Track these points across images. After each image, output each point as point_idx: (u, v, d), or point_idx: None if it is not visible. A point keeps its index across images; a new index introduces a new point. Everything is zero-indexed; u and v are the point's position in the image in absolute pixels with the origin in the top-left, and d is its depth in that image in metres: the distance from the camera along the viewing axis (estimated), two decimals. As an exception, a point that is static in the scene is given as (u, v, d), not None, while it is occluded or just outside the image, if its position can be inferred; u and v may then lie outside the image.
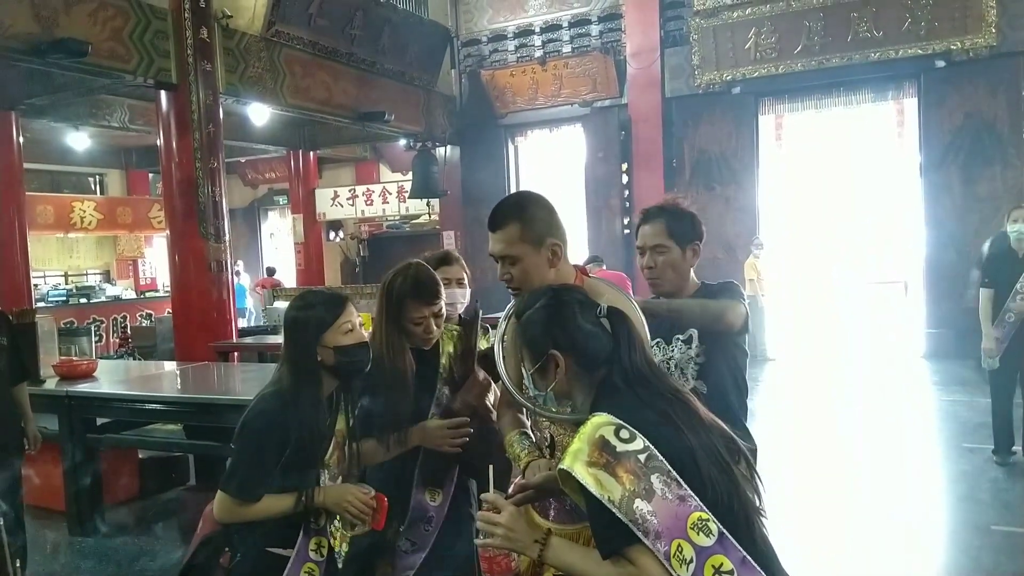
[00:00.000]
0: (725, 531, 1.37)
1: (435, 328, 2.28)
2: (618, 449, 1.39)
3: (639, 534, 1.34)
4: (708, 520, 1.37)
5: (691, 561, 1.35)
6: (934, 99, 9.41)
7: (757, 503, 1.49)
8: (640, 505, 1.35)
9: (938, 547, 4.18)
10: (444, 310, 2.31)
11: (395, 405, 2.19)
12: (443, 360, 2.37)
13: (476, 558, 2.48)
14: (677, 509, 1.36)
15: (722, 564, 1.36)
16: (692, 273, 2.40)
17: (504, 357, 2.06)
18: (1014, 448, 5.25)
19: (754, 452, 2.14)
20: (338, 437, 2.15)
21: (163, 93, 7.05)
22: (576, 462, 1.40)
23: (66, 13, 6.16)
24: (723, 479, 1.41)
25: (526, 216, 1.93)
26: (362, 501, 2.05)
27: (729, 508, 1.39)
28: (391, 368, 2.19)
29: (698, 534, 1.36)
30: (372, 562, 2.26)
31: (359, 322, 2.12)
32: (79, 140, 11.82)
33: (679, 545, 1.35)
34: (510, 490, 1.84)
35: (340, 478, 2.15)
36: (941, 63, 9.26)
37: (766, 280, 9.86)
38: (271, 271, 14.31)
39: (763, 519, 1.49)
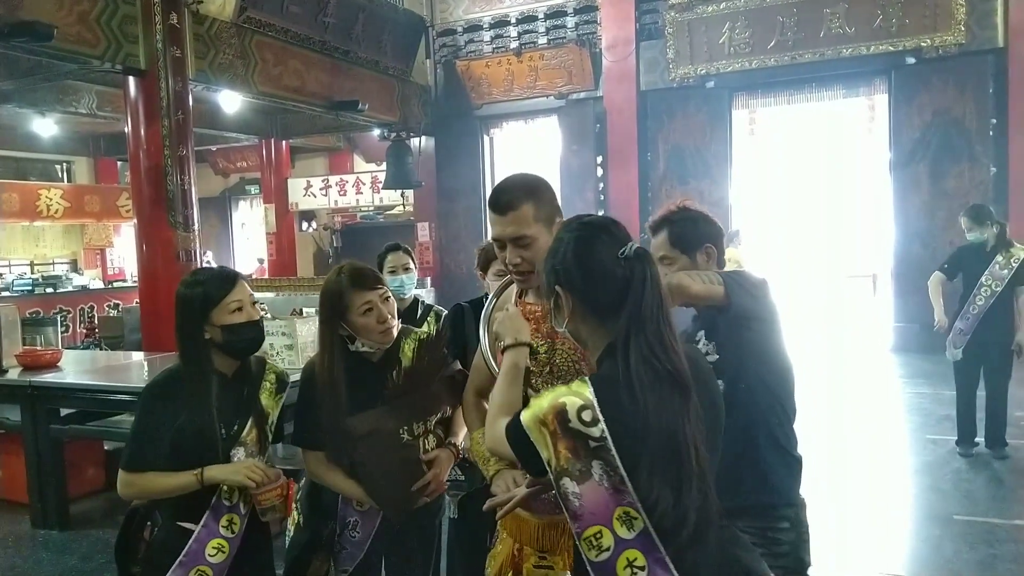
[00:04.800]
0: (652, 530, 1.32)
1: (389, 316, 2.19)
2: (570, 426, 1.33)
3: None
4: (636, 517, 1.33)
5: (607, 549, 1.33)
6: (904, 95, 9.53)
7: (711, 508, 1.38)
8: (567, 484, 1.33)
9: (900, 536, 4.26)
10: (391, 297, 2.24)
11: (330, 417, 2.14)
12: (403, 361, 2.27)
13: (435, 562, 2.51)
14: (608, 498, 1.33)
15: (636, 559, 1.33)
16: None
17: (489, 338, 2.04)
18: (976, 440, 5.36)
19: None
20: (256, 416, 2.17)
21: (131, 79, 6.91)
22: (529, 412, 1.39)
23: (31, -5, 6.03)
24: (666, 492, 1.31)
25: (537, 195, 1.85)
26: (262, 470, 2.05)
27: (664, 514, 1.32)
28: (324, 381, 2.16)
29: (621, 526, 1.33)
30: (309, 556, 2.24)
31: (252, 301, 2.11)
32: (45, 126, 11.56)
33: (599, 531, 1.33)
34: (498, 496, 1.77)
35: (260, 456, 2.15)
36: (911, 60, 9.38)
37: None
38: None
39: (720, 524, 1.41)
